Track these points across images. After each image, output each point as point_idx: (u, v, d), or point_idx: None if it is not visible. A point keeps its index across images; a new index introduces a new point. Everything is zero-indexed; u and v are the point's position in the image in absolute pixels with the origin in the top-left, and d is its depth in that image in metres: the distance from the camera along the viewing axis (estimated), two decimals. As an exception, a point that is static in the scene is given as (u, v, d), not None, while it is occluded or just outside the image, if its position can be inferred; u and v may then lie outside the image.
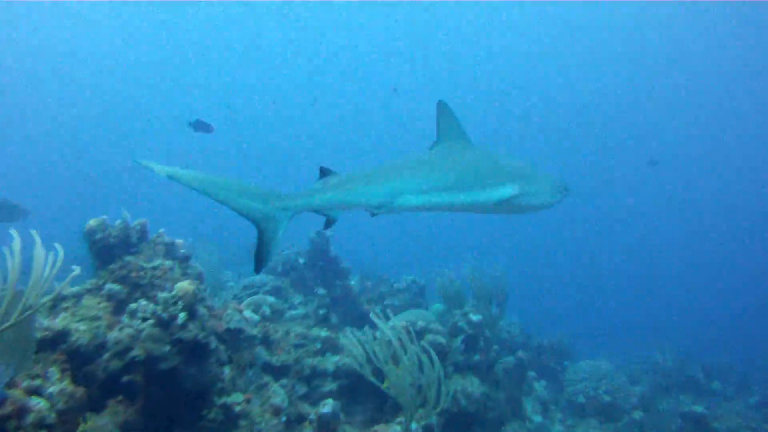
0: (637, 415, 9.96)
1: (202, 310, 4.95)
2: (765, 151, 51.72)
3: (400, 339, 5.57)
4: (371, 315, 5.81)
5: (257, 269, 4.77)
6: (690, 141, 52.41)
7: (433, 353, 5.54)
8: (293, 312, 9.41)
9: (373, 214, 5.07)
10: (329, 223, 5.04)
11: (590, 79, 54.15)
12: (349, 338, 5.74)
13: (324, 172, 5.03)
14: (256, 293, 10.29)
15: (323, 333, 7.72)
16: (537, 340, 12.72)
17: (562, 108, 55.14)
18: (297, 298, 10.25)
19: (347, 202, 4.93)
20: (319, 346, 7.48)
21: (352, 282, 11.38)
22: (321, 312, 8.27)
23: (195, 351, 4.65)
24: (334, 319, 8.64)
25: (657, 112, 53.37)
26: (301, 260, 10.74)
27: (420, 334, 7.67)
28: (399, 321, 7.90)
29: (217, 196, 4.45)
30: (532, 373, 11.47)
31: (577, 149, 53.17)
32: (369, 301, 11.19)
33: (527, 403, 10.47)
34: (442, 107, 5.46)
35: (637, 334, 19.11)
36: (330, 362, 7.28)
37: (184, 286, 4.61)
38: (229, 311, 6.07)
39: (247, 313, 7.56)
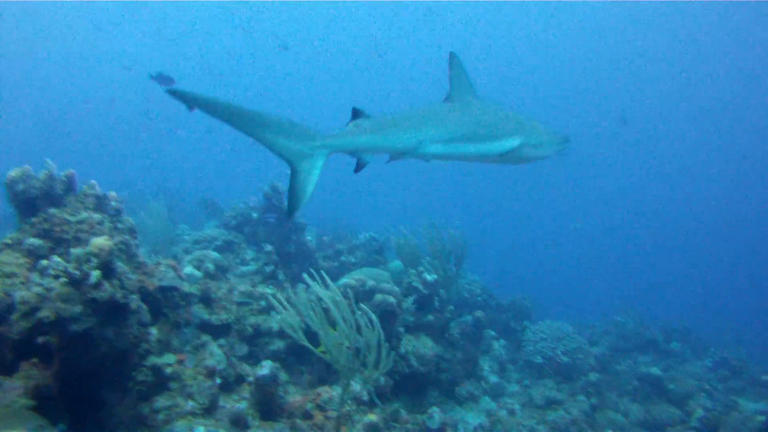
0: (594, 376, 9.85)
1: (122, 267, 4.59)
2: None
3: (335, 301, 5.24)
4: (305, 276, 5.46)
5: (290, 212, 4.75)
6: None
7: (372, 315, 5.23)
8: (245, 268, 9.09)
9: (392, 159, 5.25)
10: (360, 167, 5.08)
11: (591, 79, 53.90)
12: (279, 299, 5.40)
13: (356, 114, 5.04)
14: (206, 248, 9.96)
15: (269, 290, 7.41)
16: (498, 300, 12.56)
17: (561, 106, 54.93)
18: (249, 254, 9.90)
19: (379, 146, 5.04)
20: (263, 304, 7.16)
21: (309, 237, 11.06)
22: (267, 269, 7.94)
23: (112, 312, 4.30)
24: (281, 275, 8.32)
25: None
26: (255, 214, 10.37)
27: (370, 293, 7.41)
28: (349, 279, 7.62)
29: (251, 131, 4.36)
30: (491, 332, 11.34)
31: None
32: (325, 257, 10.91)
33: (484, 362, 10.34)
34: (453, 60, 5.58)
35: (603, 299, 19.15)
36: (275, 321, 6.99)
37: (100, 241, 4.23)
38: (162, 268, 5.70)
39: (189, 270, 7.24)
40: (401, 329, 7.64)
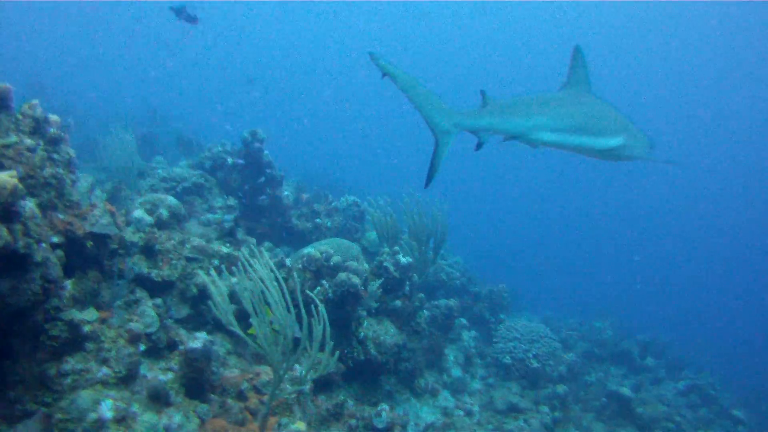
0: (561, 389, 9.28)
1: (31, 210, 3.89)
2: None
3: (278, 280, 4.56)
4: (241, 253, 4.77)
5: (428, 182, 5.16)
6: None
7: (320, 305, 4.56)
8: (211, 216, 8.39)
9: (505, 140, 5.44)
10: (479, 145, 5.37)
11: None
12: (211, 275, 4.71)
13: (483, 96, 5.41)
14: (174, 188, 9.25)
15: (225, 249, 6.71)
16: (477, 287, 11.94)
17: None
18: (218, 201, 9.23)
19: (499, 127, 5.33)
20: (216, 263, 6.48)
21: (286, 192, 10.36)
22: (227, 225, 7.24)
23: (8, 264, 3.61)
24: (241, 233, 7.62)
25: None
26: (230, 160, 9.65)
27: (334, 269, 6.74)
28: (314, 250, 6.94)
29: (418, 103, 5.07)
30: (463, 320, 10.74)
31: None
32: (300, 216, 10.22)
33: (451, 352, 9.77)
34: (577, 52, 5.82)
35: (584, 300, 18.67)
36: (227, 283, 6.32)
37: (3, 178, 3.52)
38: (96, 211, 4.98)
39: (138, 213, 6.51)
40: (363, 313, 6.98)
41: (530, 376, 9.67)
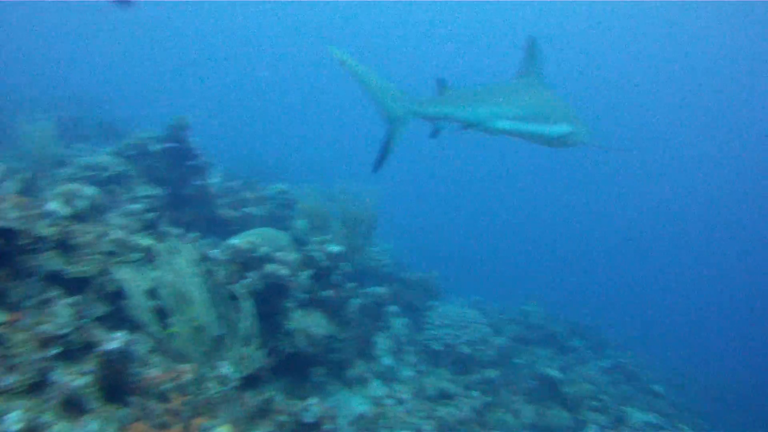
0: (492, 373, 9.39)
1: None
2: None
3: (201, 275, 4.39)
4: (162, 246, 4.58)
5: (376, 167, 5.19)
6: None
7: (246, 301, 4.41)
8: (133, 206, 8.05)
9: (464, 129, 5.48)
10: (435, 133, 5.50)
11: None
12: (128, 271, 4.51)
13: (440, 84, 5.45)
14: (95, 177, 8.86)
15: (146, 242, 6.44)
16: (408, 273, 11.93)
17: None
18: (142, 190, 8.89)
19: (458, 116, 5.38)
20: (137, 256, 6.21)
21: (214, 180, 10.08)
22: (149, 215, 6.97)
23: None
24: (163, 225, 7.36)
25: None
26: (155, 147, 9.29)
27: (261, 261, 6.56)
28: (241, 241, 6.75)
29: (371, 90, 5.06)
30: (394, 308, 10.73)
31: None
32: (227, 205, 9.97)
33: (381, 340, 9.72)
34: (531, 42, 6.06)
35: (516, 283, 18.95)
36: (148, 278, 6.06)
37: None
38: (5, 204, 4.69)
39: (54, 205, 6.18)
40: (292, 304, 6.84)
41: (461, 361, 9.73)
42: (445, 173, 42.20)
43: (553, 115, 5.88)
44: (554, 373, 10.02)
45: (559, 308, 15.55)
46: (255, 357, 4.73)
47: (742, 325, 27.42)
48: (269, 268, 6.40)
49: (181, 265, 4.40)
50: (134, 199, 8.60)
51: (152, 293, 5.82)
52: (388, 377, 8.80)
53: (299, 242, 8.88)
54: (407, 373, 9.36)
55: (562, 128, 5.86)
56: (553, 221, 40.25)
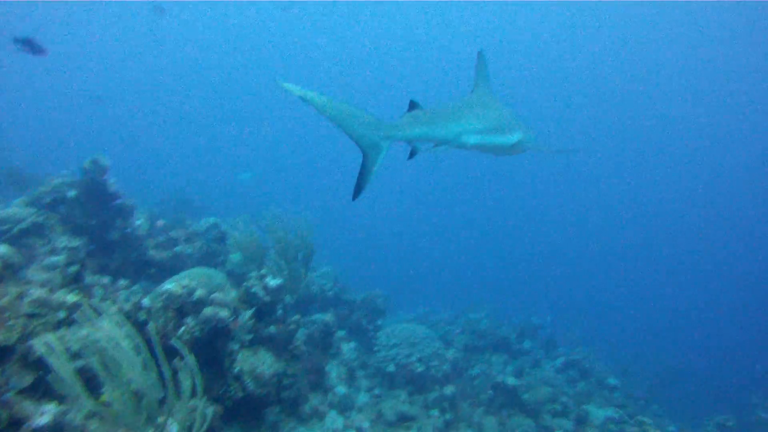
0: (449, 390, 9.17)
1: None
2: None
3: (132, 334, 4.03)
4: (88, 302, 4.20)
5: (356, 195, 5.01)
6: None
7: (188, 356, 4.06)
8: (54, 259, 7.52)
9: (435, 146, 5.54)
10: (413, 154, 5.48)
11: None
12: (48, 340, 4.10)
13: (412, 106, 5.42)
14: (9, 230, 8.27)
15: (71, 298, 5.97)
16: (350, 295, 11.64)
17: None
18: (62, 241, 8.32)
19: (432, 135, 5.45)
20: (62, 315, 5.74)
21: (139, 221, 9.58)
22: (72, 268, 6.49)
23: None
24: (89, 276, 6.88)
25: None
26: (71, 193, 8.75)
27: (198, 305, 6.18)
28: (175, 286, 6.35)
29: (338, 120, 4.86)
30: (341, 332, 10.45)
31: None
32: (157, 246, 9.48)
33: (333, 368, 9.40)
34: (481, 57, 6.37)
35: (458, 291, 18.87)
36: (75, 338, 5.60)
37: None
38: None
39: (-37, 270, 5.68)
40: (236, 346, 6.46)
41: (416, 380, 9.49)
42: (382, 188, 42.01)
43: (509, 125, 6.19)
44: (511, 380, 9.90)
45: (507, 311, 15.58)
46: (204, 413, 4.37)
47: (690, 315, 28.16)
48: (208, 311, 6.03)
49: (109, 324, 4.01)
50: (54, 251, 8.05)
51: (81, 355, 5.39)
52: (344, 407, 8.50)
53: (236, 277, 8.51)
54: (363, 399, 9.07)
55: (515, 137, 6.17)
56: (493, 228, 40.43)
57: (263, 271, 7.31)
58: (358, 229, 30.08)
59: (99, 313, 4.48)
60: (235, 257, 9.60)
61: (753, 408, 14.81)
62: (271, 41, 60.18)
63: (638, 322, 24.33)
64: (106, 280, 7.83)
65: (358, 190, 4.97)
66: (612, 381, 12.55)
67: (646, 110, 56.07)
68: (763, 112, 50.24)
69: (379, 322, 11.11)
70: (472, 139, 5.74)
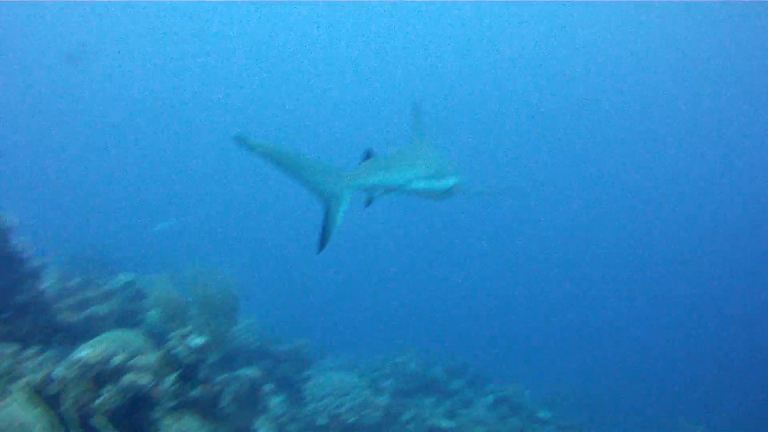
0: (381, 439, 9.02)
1: None
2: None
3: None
4: None
5: (321, 249, 4.93)
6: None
7: (105, 426, 3.78)
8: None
9: (384, 193, 5.61)
10: (370, 202, 5.55)
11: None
12: None
13: (368, 155, 5.44)
14: None
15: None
16: (276, 346, 11.32)
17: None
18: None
19: (387, 182, 5.54)
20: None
21: (48, 282, 9.06)
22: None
23: None
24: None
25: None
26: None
27: (117, 372, 5.82)
28: (90, 353, 5.97)
29: (295, 172, 4.74)
30: (269, 386, 10.10)
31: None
32: (69, 308, 8.97)
33: (262, 426, 9.07)
34: (415, 108, 6.79)
35: (383, 334, 18.73)
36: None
37: None
38: None
39: None
40: (159, 414, 6.12)
41: (349, 431, 9.28)
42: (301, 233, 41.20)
43: (448, 170, 6.50)
44: (444, 423, 9.87)
45: (434, 350, 15.51)
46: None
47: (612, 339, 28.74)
48: (127, 379, 5.68)
49: (17, 403, 3.68)
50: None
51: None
52: (275, 465, 8.19)
53: (157, 337, 8.12)
54: (295, 455, 8.78)
55: (453, 180, 6.49)
56: (416, 267, 40.06)
57: (186, 330, 7.00)
58: (283, 275, 29.49)
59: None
60: (154, 315, 9.19)
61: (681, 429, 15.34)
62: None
63: (563, 353, 24.69)
64: (12, 348, 7.32)
65: (322, 243, 4.89)
66: (543, 414, 12.67)
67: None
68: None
69: (307, 373, 10.85)
70: (420, 185, 5.98)
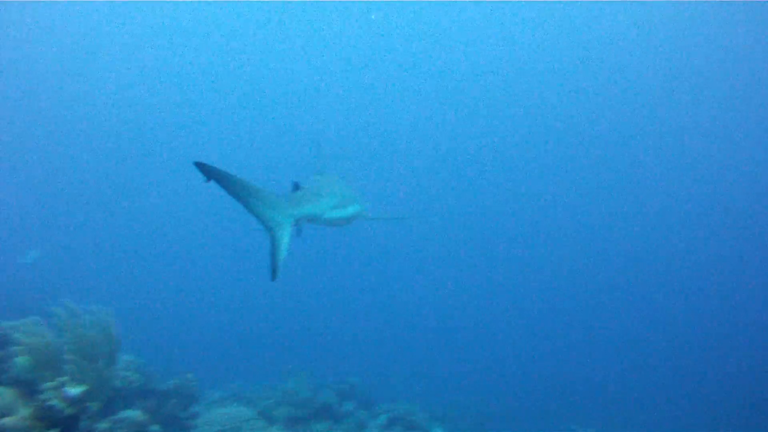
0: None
1: None
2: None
3: None
4: None
5: (274, 276, 5.03)
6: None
7: None
8: None
9: (307, 222, 6.06)
10: (300, 232, 5.89)
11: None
12: None
13: (296, 186, 5.82)
14: None
15: None
16: (160, 382, 10.64)
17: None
18: None
19: (313, 212, 5.95)
20: None
21: None
22: None
23: None
24: None
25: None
26: None
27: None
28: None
29: (247, 202, 4.94)
30: (155, 427, 9.46)
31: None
32: None
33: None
34: (319, 145, 7.59)
35: (272, 357, 18.26)
36: None
37: None
38: None
39: None
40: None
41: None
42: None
43: (351, 198, 7.04)
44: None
45: (322, 372, 15.25)
46: None
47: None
48: (-3, 442, 5.09)
49: None
50: None
51: None
52: None
53: (28, 387, 7.40)
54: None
55: (356, 207, 7.06)
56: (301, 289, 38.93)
57: (62, 379, 6.39)
58: (162, 306, 28.04)
59: None
60: (23, 364, 8.38)
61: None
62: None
63: (451, 367, 24.84)
64: None
65: (273, 270, 4.99)
66: (437, 431, 12.68)
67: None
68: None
69: (195, 409, 10.26)
70: (333, 214, 6.44)
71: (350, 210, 6.95)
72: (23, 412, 5.88)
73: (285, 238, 5.15)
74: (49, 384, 6.33)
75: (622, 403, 21.98)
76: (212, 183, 4.67)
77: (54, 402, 6.11)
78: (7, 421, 5.31)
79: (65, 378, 6.43)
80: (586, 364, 27.25)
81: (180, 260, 38.88)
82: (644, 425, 19.70)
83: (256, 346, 23.58)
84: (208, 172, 4.55)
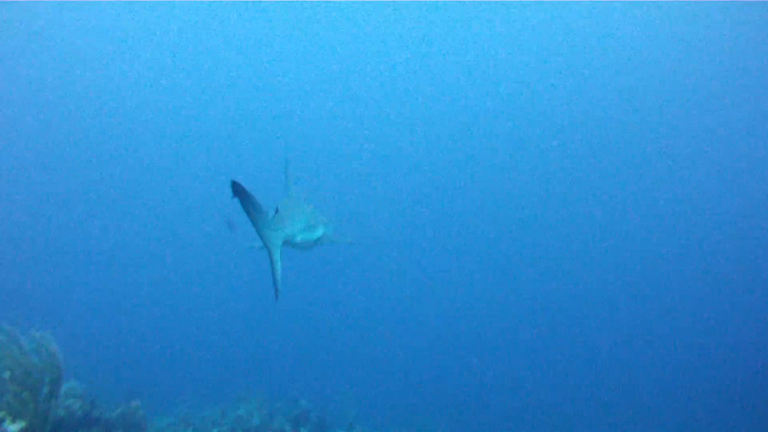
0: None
1: None
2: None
3: None
4: None
5: (277, 296, 5.20)
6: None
7: None
8: None
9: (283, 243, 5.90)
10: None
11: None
12: None
13: (277, 210, 5.72)
14: None
15: None
16: (104, 410, 10.04)
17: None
18: None
19: (289, 234, 5.97)
20: None
21: None
22: None
23: None
24: None
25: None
26: None
27: None
28: None
29: (258, 224, 5.09)
30: (96, 460, 8.90)
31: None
32: None
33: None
34: (289, 165, 7.43)
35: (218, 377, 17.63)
36: None
37: None
38: None
39: None
40: None
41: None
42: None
43: (317, 221, 7.05)
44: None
45: (274, 395, 14.76)
46: None
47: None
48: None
49: None
50: None
51: None
52: None
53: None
54: None
55: (321, 230, 7.10)
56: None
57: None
58: (105, 325, 26.79)
59: None
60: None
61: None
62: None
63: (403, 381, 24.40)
64: None
65: (276, 289, 5.12)
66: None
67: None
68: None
69: (144, 440, 9.72)
70: (302, 237, 6.45)
71: (317, 232, 7.01)
72: (-45, 452, 5.33)
73: (278, 257, 5.28)
74: (-17, 421, 5.77)
75: (622, 405, 21.94)
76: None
77: (-11, 440, 5.56)
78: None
79: (2, 413, 5.87)
80: (583, 376, 26.90)
81: (124, 276, 37.47)
82: (644, 425, 19.75)
83: (204, 364, 22.79)
84: (238, 191, 4.62)
